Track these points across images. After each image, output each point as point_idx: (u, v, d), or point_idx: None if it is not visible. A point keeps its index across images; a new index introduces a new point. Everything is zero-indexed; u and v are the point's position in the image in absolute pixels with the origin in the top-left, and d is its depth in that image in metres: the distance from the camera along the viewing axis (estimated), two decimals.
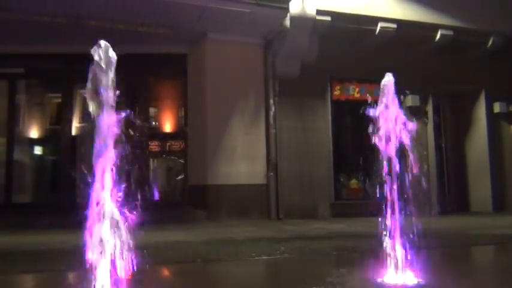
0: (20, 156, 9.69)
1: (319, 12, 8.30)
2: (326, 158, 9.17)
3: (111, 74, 2.17)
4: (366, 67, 8.89)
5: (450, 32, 9.27)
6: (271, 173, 8.70)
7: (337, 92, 9.47)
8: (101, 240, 2.11)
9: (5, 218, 7.20)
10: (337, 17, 8.47)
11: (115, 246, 2.13)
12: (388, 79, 2.82)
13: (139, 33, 8.24)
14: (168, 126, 13.27)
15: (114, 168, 2.16)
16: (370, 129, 2.77)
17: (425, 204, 2.69)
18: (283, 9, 8.10)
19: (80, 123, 9.95)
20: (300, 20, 8.18)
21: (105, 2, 7.41)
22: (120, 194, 2.17)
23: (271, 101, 8.90)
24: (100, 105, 2.17)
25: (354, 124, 9.95)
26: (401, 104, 2.87)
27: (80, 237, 2.13)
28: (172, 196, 11.03)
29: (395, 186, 2.71)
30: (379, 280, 2.63)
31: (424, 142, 9.84)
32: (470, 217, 9.02)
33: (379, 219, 2.71)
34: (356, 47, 9.33)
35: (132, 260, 2.16)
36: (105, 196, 2.13)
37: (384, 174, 2.74)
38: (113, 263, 2.13)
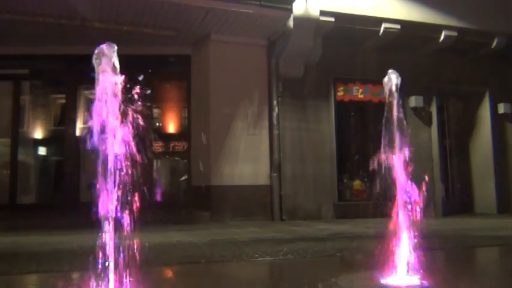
0: (24, 157, 9.72)
1: (322, 13, 8.29)
2: (329, 158, 9.15)
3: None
4: (370, 68, 8.88)
5: (454, 33, 9.24)
6: (275, 174, 8.69)
7: (340, 93, 9.44)
8: (105, 241, 2.12)
9: (9, 218, 7.24)
10: (341, 17, 8.45)
11: (119, 246, 2.13)
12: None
13: (143, 34, 8.26)
14: (171, 127, 13.30)
15: (118, 170, 2.16)
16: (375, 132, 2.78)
17: (429, 206, 2.68)
18: (286, 10, 8.09)
19: (84, 124, 9.97)
20: (304, 21, 8.18)
21: (109, 4, 7.43)
22: (124, 195, 2.17)
23: (275, 102, 8.90)
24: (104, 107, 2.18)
25: (357, 125, 9.94)
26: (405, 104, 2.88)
27: (84, 238, 2.13)
28: (176, 197, 11.03)
29: (399, 187, 2.71)
30: (383, 281, 2.63)
31: (428, 143, 9.81)
32: (475, 218, 8.98)
33: (383, 220, 2.71)
34: (360, 48, 9.32)
35: (135, 260, 2.16)
36: (110, 197, 2.13)
37: (387, 174, 2.73)
38: (116, 263, 2.13)
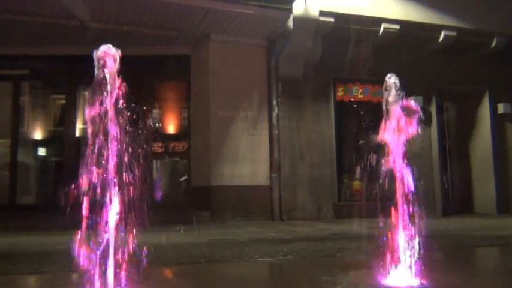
0: (24, 157, 9.71)
1: (322, 13, 8.29)
2: (329, 159, 9.15)
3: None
4: (369, 68, 8.86)
5: (453, 33, 9.23)
6: (274, 174, 8.69)
7: (340, 93, 9.44)
8: (105, 240, 2.12)
9: (10, 219, 7.23)
10: (340, 18, 8.45)
11: (119, 246, 2.14)
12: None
13: (143, 34, 8.26)
14: (171, 127, 13.28)
15: (118, 170, 2.17)
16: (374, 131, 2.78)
17: (428, 206, 2.68)
18: (286, 10, 8.09)
19: (83, 124, 9.97)
20: (303, 21, 8.18)
21: (109, 4, 7.43)
22: (124, 195, 2.18)
23: (274, 102, 8.89)
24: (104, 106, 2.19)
25: (357, 125, 9.93)
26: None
27: (83, 238, 2.13)
28: (176, 197, 11.03)
29: (398, 188, 2.71)
30: (383, 281, 2.63)
31: (428, 143, 9.81)
32: (474, 218, 8.98)
33: (383, 220, 2.71)
34: (359, 48, 9.30)
35: (135, 260, 2.16)
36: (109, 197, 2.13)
37: (386, 175, 2.74)
38: (117, 263, 2.13)
